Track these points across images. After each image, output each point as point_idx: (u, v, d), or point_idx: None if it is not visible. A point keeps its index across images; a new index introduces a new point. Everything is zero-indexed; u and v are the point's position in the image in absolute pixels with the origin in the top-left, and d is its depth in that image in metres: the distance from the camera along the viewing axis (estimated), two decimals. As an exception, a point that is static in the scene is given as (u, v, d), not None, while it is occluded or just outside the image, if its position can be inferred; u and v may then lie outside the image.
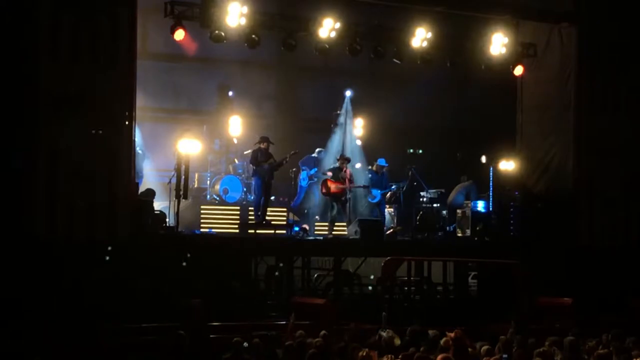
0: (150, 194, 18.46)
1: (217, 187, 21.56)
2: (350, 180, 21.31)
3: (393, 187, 22.35)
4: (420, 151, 23.18)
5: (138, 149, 18.64)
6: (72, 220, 16.00)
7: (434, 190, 22.37)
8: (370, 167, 22.76)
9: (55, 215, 15.88)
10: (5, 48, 15.93)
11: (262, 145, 20.42)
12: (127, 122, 16.77)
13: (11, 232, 15.58)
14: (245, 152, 21.73)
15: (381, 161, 22.32)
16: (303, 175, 22.52)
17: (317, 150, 22.94)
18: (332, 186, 21.20)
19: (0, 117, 15.82)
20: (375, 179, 22.21)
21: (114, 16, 16.60)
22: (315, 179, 22.58)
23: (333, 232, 20.95)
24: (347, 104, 24.29)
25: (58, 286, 15.61)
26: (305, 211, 22.90)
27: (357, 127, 24.51)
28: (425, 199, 22.26)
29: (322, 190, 21.53)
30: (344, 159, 21.75)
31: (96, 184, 16.33)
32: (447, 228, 21.50)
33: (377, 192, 22.11)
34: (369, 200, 22.39)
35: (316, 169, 22.58)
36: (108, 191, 16.43)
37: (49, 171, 15.95)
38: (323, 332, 13.21)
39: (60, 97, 16.05)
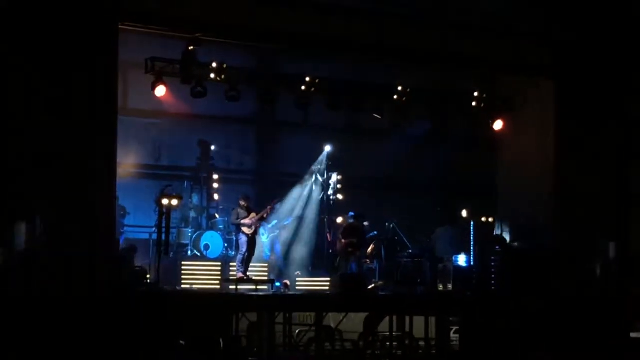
0: (132, 249, 18.36)
1: (198, 242, 21.52)
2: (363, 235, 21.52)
3: (374, 232, 22.46)
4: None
5: (119, 205, 18.58)
6: (49, 278, 15.73)
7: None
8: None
9: (32, 273, 15.58)
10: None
11: (242, 203, 20.51)
12: (107, 179, 16.65)
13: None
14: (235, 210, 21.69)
15: (350, 214, 22.40)
16: (261, 231, 22.41)
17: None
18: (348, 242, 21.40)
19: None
20: None
21: (93, 71, 16.43)
22: (277, 231, 22.56)
23: (317, 288, 21.04)
24: (324, 158, 24.35)
25: (36, 345, 15.35)
26: (286, 266, 22.89)
27: (335, 181, 24.66)
28: (406, 253, 22.26)
29: (343, 249, 21.63)
30: (357, 217, 21.90)
31: (75, 241, 16.09)
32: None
33: None
34: None
35: (275, 221, 22.59)
36: (87, 248, 16.18)
37: (25, 229, 15.74)
38: None
39: (37, 153, 15.86)
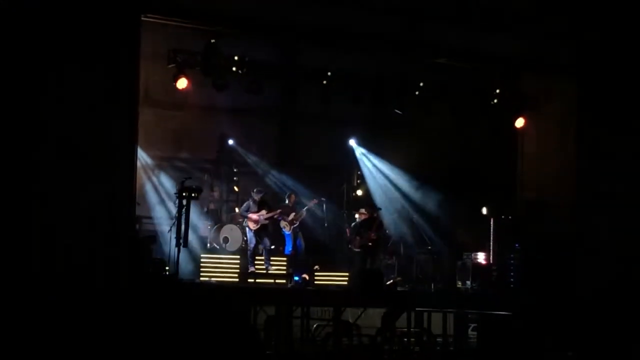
0: (151, 239, 18.40)
1: (218, 235, 21.53)
2: (379, 228, 21.48)
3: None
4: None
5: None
6: (69, 269, 15.68)
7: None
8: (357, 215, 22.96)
9: (53, 263, 15.48)
10: (7, 94, 15.81)
11: (255, 197, 20.60)
12: (128, 169, 16.65)
13: (6, 282, 15.29)
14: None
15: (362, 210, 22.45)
16: (282, 224, 22.38)
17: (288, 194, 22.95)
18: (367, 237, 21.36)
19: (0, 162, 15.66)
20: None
21: (115, 62, 16.42)
22: (296, 223, 22.49)
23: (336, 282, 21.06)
24: (354, 151, 24.38)
25: (54, 335, 15.33)
26: (306, 260, 22.86)
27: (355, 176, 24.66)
28: (425, 250, 22.23)
29: (354, 245, 21.61)
30: (374, 209, 21.92)
31: (94, 231, 16.08)
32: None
33: None
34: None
35: (293, 213, 22.60)
36: (107, 238, 16.18)
37: (45, 218, 15.66)
38: None
39: (61, 143, 15.86)
